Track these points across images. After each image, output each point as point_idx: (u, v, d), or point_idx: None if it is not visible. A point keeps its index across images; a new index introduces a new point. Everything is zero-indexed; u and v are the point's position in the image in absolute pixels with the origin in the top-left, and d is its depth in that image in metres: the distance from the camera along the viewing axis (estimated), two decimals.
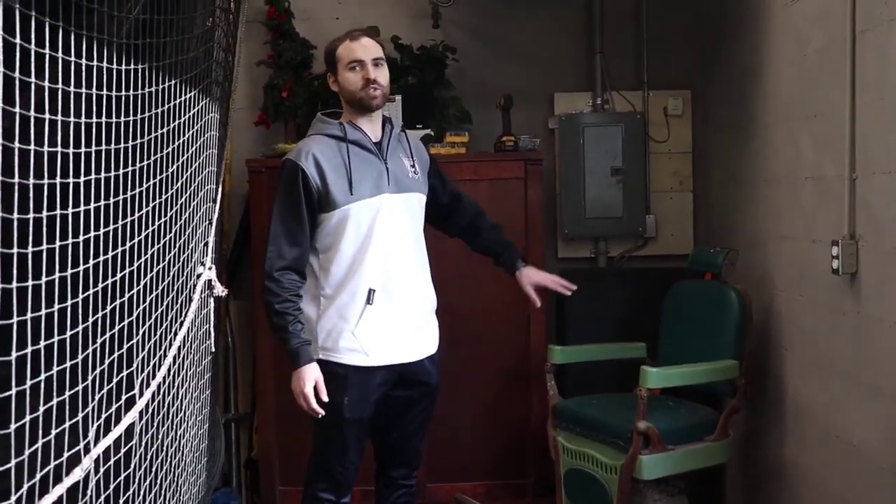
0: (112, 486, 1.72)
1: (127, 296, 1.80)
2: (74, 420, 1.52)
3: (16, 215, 1.32)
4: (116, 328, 1.73)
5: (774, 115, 3.53)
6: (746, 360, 3.47)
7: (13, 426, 1.32)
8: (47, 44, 1.38)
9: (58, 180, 1.45)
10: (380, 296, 2.81)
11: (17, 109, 1.30)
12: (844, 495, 2.92)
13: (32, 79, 1.34)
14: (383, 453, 3.06)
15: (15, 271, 1.32)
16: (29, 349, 1.34)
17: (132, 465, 1.85)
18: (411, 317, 2.89)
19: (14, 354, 1.32)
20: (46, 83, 1.40)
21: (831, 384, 3.01)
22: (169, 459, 2.22)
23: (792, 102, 3.35)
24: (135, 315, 1.85)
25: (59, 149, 1.46)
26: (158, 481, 2.11)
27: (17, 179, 1.32)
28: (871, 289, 2.72)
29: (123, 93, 1.72)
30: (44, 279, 1.39)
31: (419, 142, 3.11)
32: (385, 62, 2.88)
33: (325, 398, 2.74)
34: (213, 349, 2.76)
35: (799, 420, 3.29)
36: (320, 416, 2.75)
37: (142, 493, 1.94)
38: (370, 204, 2.80)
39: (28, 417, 1.35)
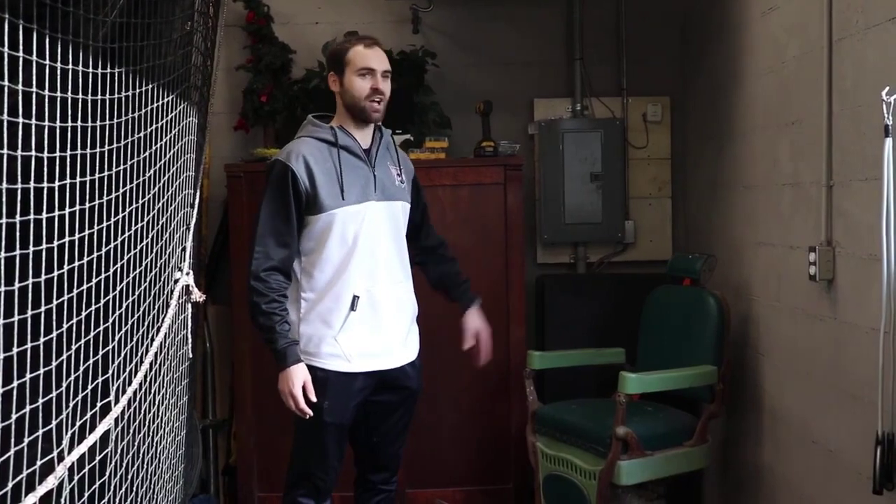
0: (87, 495, 1.70)
1: (103, 301, 1.78)
2: (48, 427, 1.50)
3: None
4: (92, 333, 1.72)
5: (752, 123, 3.56)
6: (725, 365, 3.49)
7: None
8: (21, 47, 1.36)
9: (32, 185, 1.44)
10: (363, 303, 2.80)
11: None
12: (821, 500, 2.94)
13: (6, 82, 1.32)
14: (363, 458, 3.05)
15: None
16: (1, 355, 1.33)
17: (107, 473, 1.83)
18: (394, 324, 2.88)
19: None
20: (20, 87, 1.39)
21: (808, 390, 3.02)
22: (145, 466, 2.20)
23: (770, 110, 3.37)
24: (111, 320, 1.84)
25: (33, 153, 1.45)
26: (134, 489, 2.09)
27: None
28: (848, 295, 2.74)
29: (100, 97, 1.71)
30: (17, 284, 1.37)
31: (404, 151, 3.12)
32: (391, 76, 2.88)
33: (314, 398, 2.73)
34: (191, 355, 2.74)
35: (776, 425, 3.31)
36: (308, 416, 2.74)
37: (117, 500, 1.92)
38: (356, 210, 2.79)
39: (0, 424, 1.33)
